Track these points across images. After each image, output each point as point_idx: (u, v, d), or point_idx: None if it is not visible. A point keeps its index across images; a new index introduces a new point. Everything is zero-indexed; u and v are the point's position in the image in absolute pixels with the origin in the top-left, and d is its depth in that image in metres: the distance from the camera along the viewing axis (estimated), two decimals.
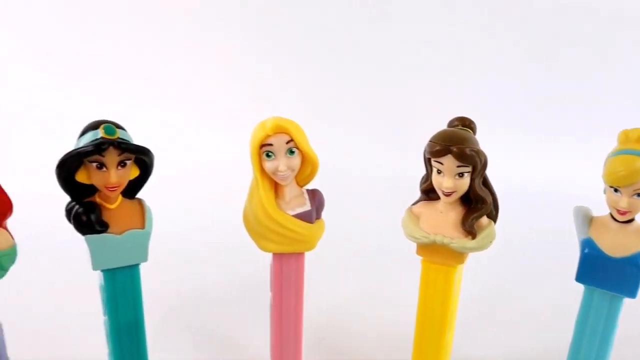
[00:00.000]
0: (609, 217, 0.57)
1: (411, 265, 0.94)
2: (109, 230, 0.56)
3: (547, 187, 1.37)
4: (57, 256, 0.91)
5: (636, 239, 0.56)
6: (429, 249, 0.61)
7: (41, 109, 1.49)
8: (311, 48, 1.55)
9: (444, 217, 0.61)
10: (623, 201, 0.53)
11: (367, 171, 1.35)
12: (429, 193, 0.63)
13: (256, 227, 0.61)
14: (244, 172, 1.27)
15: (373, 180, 1.32)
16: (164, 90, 1.54)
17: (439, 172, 0.58)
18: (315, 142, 0.61)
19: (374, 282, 0.96)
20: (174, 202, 0.82)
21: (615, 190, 0.54)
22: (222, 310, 0.87)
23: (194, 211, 1.07)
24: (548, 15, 1.54)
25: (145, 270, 0.61)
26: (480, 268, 0.75)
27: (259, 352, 0.77)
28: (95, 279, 0.73)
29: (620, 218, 0.55)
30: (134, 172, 0.57)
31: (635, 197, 0.53)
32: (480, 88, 1.58)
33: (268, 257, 0.96)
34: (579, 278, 0.58)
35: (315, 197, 0.63)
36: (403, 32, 1.55)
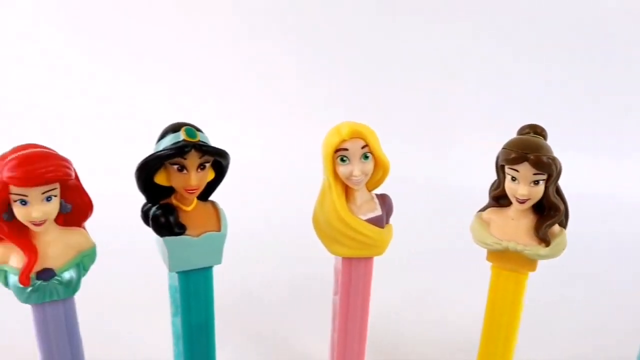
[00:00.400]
0: None
1: (467, 268, 0.95)
2: (186, 232, 0.56)
3: (605, 191, 1.37)
4: (124, 257, 0.92)
5: None
6: (500, 256, 0.61)
7: (116, 109, 1.51)
8: (351, 54, 1.55)
9: (515, 224, 0.60)
10: None
11: (415, 174, 1.35)
12: (499, 199, 0.62)
13: (328, 231, 0.61)
14: (294, 173, 1.28)
15: (421, 183, 1.32)
16: (219, 91, 1.54)
17: (513, 179, 0.58)
18: None
19: (430, 284, 0.96)
20: (228, 203, 0.82)
21: None
22: (274, 311, 0.88)
23: (248, 212, 1.08)
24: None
25: None
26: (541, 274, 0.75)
27: (311, 352, 0.78)
28: (158, 280, 0.74)
29: None
30: (210, 175, 0.57)
31: None
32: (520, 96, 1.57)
33: (322, 259, 0.96)
34: None
35: (385, 202, 0.63)
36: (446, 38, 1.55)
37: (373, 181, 0.62)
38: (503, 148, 0.59)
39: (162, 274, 0.69)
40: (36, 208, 0.48)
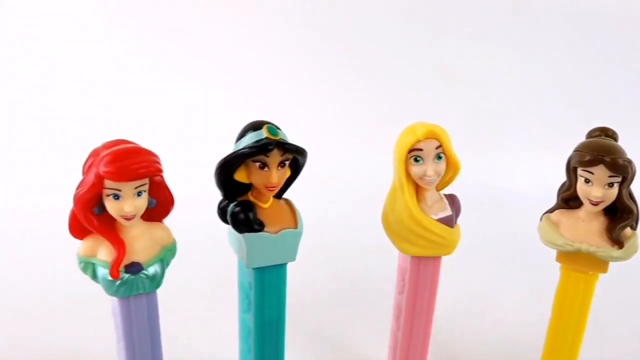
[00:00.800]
0: None
1: (525, 269, 0.94)
2: (264, 229, 0.57)
3: None
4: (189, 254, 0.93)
5: None
6: (571, 257, 0.61)
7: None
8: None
9: (586, 226, 0.61)
10: None
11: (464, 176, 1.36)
12: (568, 201, 0.63)
13: (399, 230, 0.61)
14: (351, 173, 1.29)
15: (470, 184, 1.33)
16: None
17: (587, 181, 0.58)
18: None
19: (487, 284, 0.97)
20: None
21: None
22: (332, 309, 0.89)
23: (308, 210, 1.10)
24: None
25: None
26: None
27: (369, 351, 0.78)
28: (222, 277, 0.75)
29: None
30: (287, 174, 0.58)
31: None
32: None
33: (371, 258, 0.96)
34: None
35: (454, 202, 0.63)
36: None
37: (443, 182, 0.62)
38: (576, 150, 0.60)
39: (226, 271, 0.70)
40: (128, 202, 0.49)
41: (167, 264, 0.55)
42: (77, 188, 0.50)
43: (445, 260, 0.65)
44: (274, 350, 0.63)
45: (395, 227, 0.62)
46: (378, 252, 0.76)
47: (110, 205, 0.49)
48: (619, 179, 0.57)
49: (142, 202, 0.50)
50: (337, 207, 1.20)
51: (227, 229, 0.60)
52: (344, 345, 0.80)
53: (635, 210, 0.59)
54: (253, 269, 0.58)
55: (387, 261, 0.73)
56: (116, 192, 0.48)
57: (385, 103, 1.53)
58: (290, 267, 0.61)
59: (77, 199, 0.49)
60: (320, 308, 0.89)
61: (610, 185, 0.57)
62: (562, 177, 0.63)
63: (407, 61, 1.57)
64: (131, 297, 0.53)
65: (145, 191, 0.50)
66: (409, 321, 0.66)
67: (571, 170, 0.61)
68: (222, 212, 0.58)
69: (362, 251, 1.04)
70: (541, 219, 0.64)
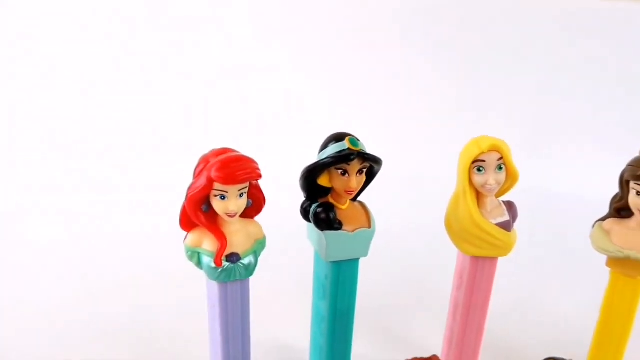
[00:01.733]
0: None
1: (572, 272, 0.99)
2: (343, 228, 0.65)
3: None
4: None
5: None
6: (620, 263, 0.67)
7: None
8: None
9: (636, 235, 0.66)
10: None
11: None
12: (620, 211, 0.68)
13: (461, 233, 0.68)
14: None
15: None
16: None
17: (638, 193, 0.64)
18: None
19: (535, 286, 1.03)
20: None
21: None
22: (392, 302, 0.96)
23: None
24: None
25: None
26: None
27: (424, 341, 0.85)
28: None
29: None
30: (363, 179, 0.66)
31: None
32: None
33: (433, 257, 1.03)
34: None
35: (512, 208, 0.70)
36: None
37: (502, 190, 0.69)
38: (629, 165, 0.65)
39: (302, 264, 0.78)
40: (233, 202, 0.57)
41: (258, 256, 0.63)
42: (189, 189, 0.58)
43: (502, 261, 0.72)
44: (344, 335, 0.71)
45: (456, 229, 0.69)
46: (440, 251, 0.82)
47: (217, 205, 0.58)
48: None
49: (243, 202, 0.59)
50: (405, 209, 1.28)
51: (308, 226, 0.68)
52: (405, 335, 0.88)
53: None
54: (330, 262, 0.66)
55: (447, 261, 0.80)
56: (223, 193, 0.57)
57: (450, 110, 1.60)
58: (362, 262, 0.69)
59: (190, 198, 0.58)
60: (386, 300, 0.96)
61: None
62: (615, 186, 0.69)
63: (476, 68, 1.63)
64: (229, 283, 0.62)
65: (246, 193, 0.59)
66: (464, 316, 0.73)
67: (624, 183, 0.66)
68: (304, 212, 0.66)
69: (425, 250, 1.11)
70: (593, 226, 0.70)
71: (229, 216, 0.58)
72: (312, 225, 0.66)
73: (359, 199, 0.69)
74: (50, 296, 0.94)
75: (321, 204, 0.65)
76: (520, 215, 0.71)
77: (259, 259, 0.64)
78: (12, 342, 0.83)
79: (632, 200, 0.65)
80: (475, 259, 0.70)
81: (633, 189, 0.64)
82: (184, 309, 0.90)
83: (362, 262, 0.69)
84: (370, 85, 1.63)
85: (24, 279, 1.00)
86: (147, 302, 0.93)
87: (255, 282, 0.67)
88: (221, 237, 0.59)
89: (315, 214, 0.64)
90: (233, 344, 0.66)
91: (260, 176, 0.58)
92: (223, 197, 0.57)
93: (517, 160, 0.68)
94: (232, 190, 0.57)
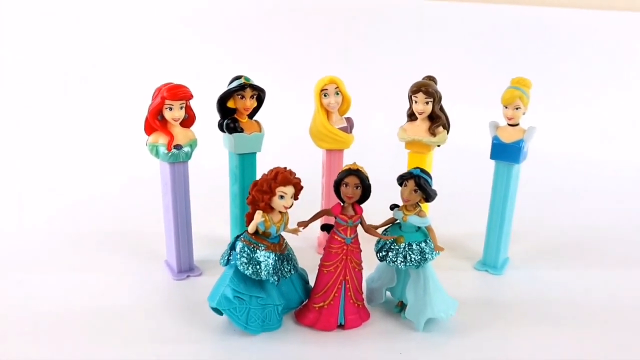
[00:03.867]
0: (506, 124, 1.08)
1: None
2: (244, 132, 1.06)
3: None
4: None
5: (518, 133, 1.07)
6: (411, 144, 1.12)
7: None
8: None
9: (419, 127, 1.11)
10: (508, 112, 1.05)
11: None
12: (411, 116, 1.13)
13: (317, 134, 1.12)
14: None
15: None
16: None
17: (416, 103, 1.09)
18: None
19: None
20: None
21: (506, 107, 1.05)
22: None
23: None
24: None
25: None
26: None
27: None
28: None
29: (509, 122, 1.07)
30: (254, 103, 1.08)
31: (514, 110, 1.04)
32: None
33: None
34: (492, 157, 1.09)
35: (349, 121, 1.14)
36: None
37: (342, 109, 1.13)
38: (411, 86, 1.11)
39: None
40: (176, 112, 0.98)
41: (193, 150, 1.03)
42: (150, 106, 0.98)
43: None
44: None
45: (315, 133, 1.12)
46: None
47: (167, 114, 0.98)
48: None
49: (182, 113, 0.99)
50: None
51: (223, 136, 1.09)
52: None
53: None
54: (238, 154, 1.08)
55: None
56: (170, 106, 0.98)
57: None
58: None
59: (151, 112, 0.98)
60: None
61: None
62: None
63: None
64: (176, 164, 1.02)
65: (184, 108, 0.99)
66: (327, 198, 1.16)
67: (409, 97, 1.12)
68: (220, 126, 1.08)
69: None
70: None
71: (175, 120, 0.99)
72: (226, 135, 1.08)
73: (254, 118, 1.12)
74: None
75: (230, 118, 1.07)
76: None
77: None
78: None
79: (414, 107, 1.10)
80: (329, 151, 1.13)
81: (413, 100, 1.10)
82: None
83: None
84: None
85: None
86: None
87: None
88: (170, 134, 1.00)
89: (227, 124, 1.06)
90: (181, 218, 1.05)
91: (192, 96, 0.99)
92: (171, 109, 0.98)
93: None
94: (176, 104, 0.98)
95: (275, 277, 0.87)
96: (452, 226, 1.33)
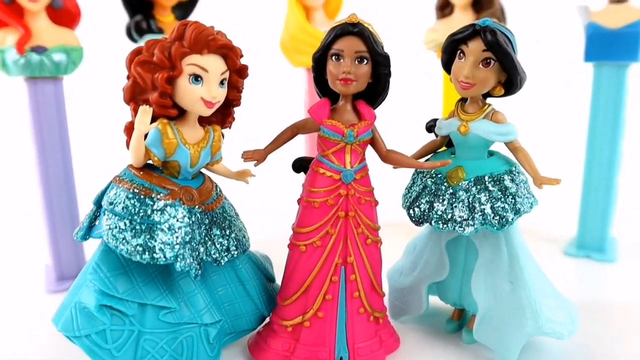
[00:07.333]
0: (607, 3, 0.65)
1: None
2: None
3: None
4: None
5: (631, 12, 0.63)
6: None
7: None
8: None
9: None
10: None
11: None
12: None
13: (291, 42, 0.70)
14: None
15: None
16: None
17: None
18: None
19: None
20: None
21: None
22: None
23: None
24: None
25: None
26: None
27: None
28: None
29: None
30: None
31: None
32: None
33: None
34: (588, 57, 0.64)
35: None
36: None
37: (330, 7, 0.71)
38: None
39: None
40: None
41: (75, 64, 0.61)
42: None
43: None
44: None
45: (287, 42, 0.70)
46: None
47: None
48: None
49: None
50: None
51: None
52: None
53: None
54: None
55: None
56: None
57: None
58: None
59: None
60: None
61: None
62: None
63: None
64: (38, 81, 0.58)
65: None
66: None
67: None
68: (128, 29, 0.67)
69: None
70: None
71: (30, 1, 0.56)
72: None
73: None
74: None
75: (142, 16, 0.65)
76: None
77: None
78: None
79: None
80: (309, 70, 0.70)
81: None
82: None
83: None
84: None
85: None
86: None
87: None
88: (25, 27, 0.57)
89: (136, 24, 0.65)
90: (57, 187, 0.61)
91: None
92: None
93: None
94: None
95: (195, 263, 0.42)
96: None
